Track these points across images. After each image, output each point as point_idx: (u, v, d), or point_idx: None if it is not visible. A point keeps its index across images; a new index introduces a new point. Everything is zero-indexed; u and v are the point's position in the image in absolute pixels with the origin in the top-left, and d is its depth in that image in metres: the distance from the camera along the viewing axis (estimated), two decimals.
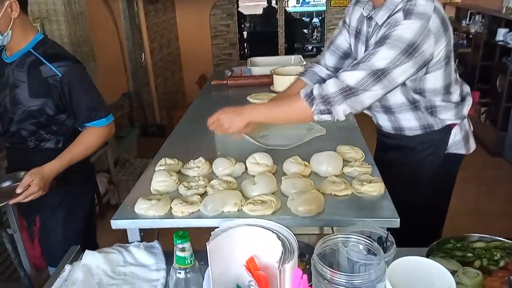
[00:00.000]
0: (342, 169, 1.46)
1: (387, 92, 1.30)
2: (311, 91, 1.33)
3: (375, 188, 1.30)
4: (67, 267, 1.19)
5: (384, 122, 1.62)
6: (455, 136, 1.54)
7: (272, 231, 0.87)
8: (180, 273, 0.92)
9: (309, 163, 1.49)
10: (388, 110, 1.56)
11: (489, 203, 3.40)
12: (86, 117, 1.60)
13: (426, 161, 1.56)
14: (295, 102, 1.37)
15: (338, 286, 0.77)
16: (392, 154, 1.65)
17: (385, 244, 0.92)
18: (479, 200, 3.40)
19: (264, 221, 0.91)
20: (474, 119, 4.16)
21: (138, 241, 1.30)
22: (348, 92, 1.28)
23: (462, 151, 1.58)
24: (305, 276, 0.71)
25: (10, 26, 1.50)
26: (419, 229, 1.38)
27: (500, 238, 1.16)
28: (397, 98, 1.48)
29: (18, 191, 1.50)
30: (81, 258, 1.22)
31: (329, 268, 0.77)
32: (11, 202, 1.51)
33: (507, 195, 3.52)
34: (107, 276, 1.17)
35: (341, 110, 1.31)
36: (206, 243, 0.83)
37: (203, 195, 1.35)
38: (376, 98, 1.30)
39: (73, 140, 1.64)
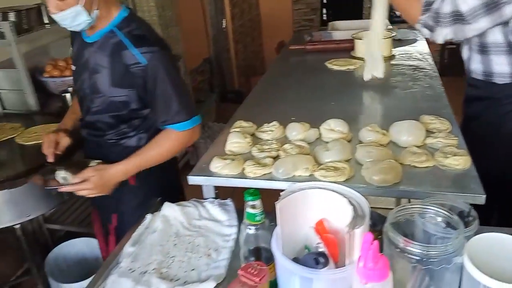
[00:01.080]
0: (424, 140, 1.38)
1: (491, 27, 1.35)
2: (433, 1, 1.39)
3: (460, 161, 1.21)
4: (148, 216, 1.27)
5: (476, 65, 1.52)
6: None
7: (344, 196, 0.86)
8: (250, 229, 0.94)
9: (387, 132, 1.43)
10: (483, 49, 1.46)
11: None
12: (167, 118, 1.34)
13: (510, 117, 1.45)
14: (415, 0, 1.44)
15: (411, 256, 0.74)
16: (475, 106, 1.56)
17: (466, 219, 0.86)
18: None
19: (336, 185, 0.89)
20: None
21: (213, 198, 1.36)
22: (458, 17, 1.33)
23: None
24: (376, 242, 0.69)
25: (97, 4, 1.30)
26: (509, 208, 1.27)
27: None
28: (496, 37, 1.42)
29: (73, 181, 1.34)
30: (160, 210, 1.30)
31: (402, 237, 0.74)
32: (61, 189, 1.36)
33: None
34: (184, 227, 1.24)
35: (444, 33, 1.39)
36: (275, 202, 0.84)
37: (275, 158, 1.36)
38: (479, 31, 1.36)
39: None
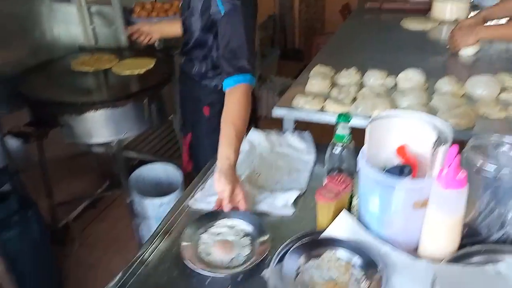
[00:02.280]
0: (498, 95, 1.44)
1: None
2: None
3: None
4: None
5: None
6: None
7: (429, 123, 0.97)
8: (336, 149, 1.08)
9: (464, 85, 1.50)
10: None
11: None
12: (238, 68, 1.30)
13: None
14: None
15: (486, 176, 0.86)
16: None
17: None
18: None
19: (424, 114, 1.00)
20: None
21: (292, 130, 1.51)
22: None
23: None
24: (458, 156, 0.81)
25: None
26: None
27: None
28: None
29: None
30: (247, 135, 1.47)
31: (481, 157, 0.86)
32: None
33: None
34: (267, 151, 1.41)
35: None
36: (367, 124, 0.97)
37: (354, 99, 1.48)
38: None
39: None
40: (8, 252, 1.53)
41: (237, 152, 1.18)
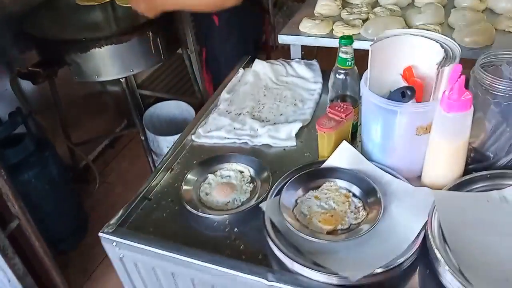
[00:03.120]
0: None
1: None
2: None
3: None
4: (241, 70, 1.40)
5: None
6: None
7: (436, 41, 0.89)
8: (340, 74, 1.02)
9: None
10: None
11: None
12: None
13: None
14: None
15: (495, 93, 0.79)
16: None
17: None
18: None
19: (430, 32, 0.91)
20: None
21: (299, 58, 1.43)
22: None
23: None
24: (463, 77, 0.74)
25: None
26: None
27: None
28: None
29: None
30: (251, 66, 1.41)
31: (489, 75, 0.78)
32: None
33: None
34: (272, 82, 1.35)
35: None
36: (370, 45, 0.90)
37: (365, 20, 1.37)
38: None
39: None
40: (28, 193, 1.58)
41: None
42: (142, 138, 2.08)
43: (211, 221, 0.92)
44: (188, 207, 0.92)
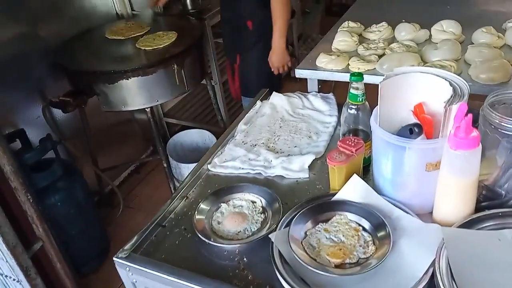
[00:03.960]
0: None
1: None
2: None
3: None
4: (258, 103, 1.44)
5: None
6: None
7: (445, 79, 0.90)
8: (351, 109, 1.04)
9: (504, 35, 1.37)
10: None
11: None
12: None
13: None
14: None
15: (504, 132, 0.79)
16: None
17: None
18: None
19: (439, 70, 0.93)
20: None
21: (316, 92, 1.47)
22: None
23: None
24: (470, 115, 0.75)
25: None
26: None
27: None
28: None
29: None
30: (269, 98, 1.45)
31: (498, 114, 0.79)
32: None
33: None
34: (288, 114, 1.38)
35: None
36: (379, 82, 0.92)
37: (381, 56, 1.40)
38: None
39: None
40: (54, 217, 1.65)
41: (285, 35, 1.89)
42: (165, 165, 2.14)
43: (221, 250, 0.94)
44: (200, 236, 0.94)
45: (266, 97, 1.47)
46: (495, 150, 0.86)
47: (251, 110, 1.42)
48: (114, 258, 0.91)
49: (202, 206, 1.02)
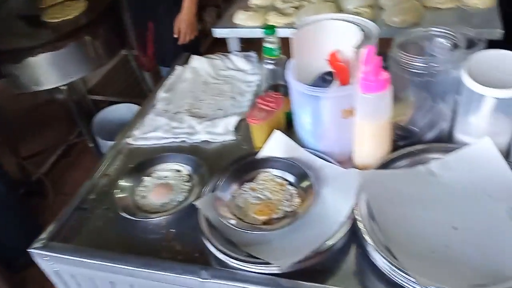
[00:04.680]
0: None
1: None
2: None
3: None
4: (179, 68, 1.37)
5: None
6: None
7: (356, 24, 0.89)
8: (268, 64, 1.02)
9: None
10: None
11: None
12: None
13: None
14: None
15: (413, 70, 0.80)
16: None
17: (475, 44, 0.89)
18: None
19: (350, 16, 0.92)
20: None
21: (237, 51, 1.42)
22: None
23: None
24: (379, 57, 0.74)
25: None
26: None
27: None
28: None
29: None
30: (189, 63, 1.39)
31: (405, 53, 0.79)
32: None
33: None
34: (211, 77, 1.33)
35: None
36: (290, 33, 0.89)
37: (299, 7, 1.37)
38: None
39: None
40: None
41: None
42: (91, 145, 2.03)
43: (147, 224, 0.90)
44: (123, 214, 0.89)
45: (187, 61, 1.41)
46: (408, 90, 0.88)
47: (171, 76, 1.35)
48: (29, 250, 0.84)
49: (123, 182, 0.97)
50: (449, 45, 0.84)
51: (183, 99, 1.25)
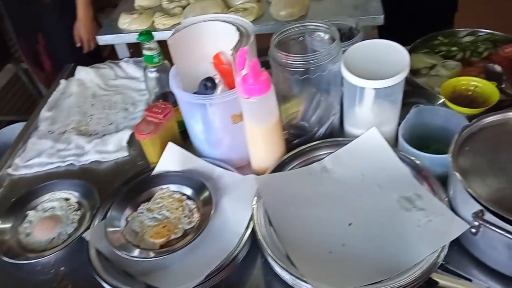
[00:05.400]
0: None
1: None
2: None
3: None
4: (62, 82, 1.25)
5: None
6: None
7: (233, 24, 0.85)
8: (151, 72, 0.95)
9: None
10: None
11: None
12: None
13: None
14: None
15: (293, 69, 0.78)
16: None
17: (353, 35, 0.90)
18: None
19: (226, 15, 0.88)
20: None
21: (128, 57, 1.33)
22: None
23: None
24: (256, 60, 0.71)
25: None
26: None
27: (491, 31, 1.11)
28: None
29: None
30: (74, 74, 1.28)
31: (283, 52, 0.77)
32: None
33: None
34: (100, 88, 1.24)
35: None
36: (167, 39, 0.84)
37: (186, 7, 1.31)
38: None
39: None
40: None
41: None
42: None
43: (34, 265, 0.80)
44: (4, 258, 0.79)
45: (72, 74, 1.29)
46: (293, 88, 0.86)
47: (54, 92, 1.23)
48: None
49: (2, 224, 0.86)
50: (327, 38, 0.84)
51: (69, 116, 1.15)
